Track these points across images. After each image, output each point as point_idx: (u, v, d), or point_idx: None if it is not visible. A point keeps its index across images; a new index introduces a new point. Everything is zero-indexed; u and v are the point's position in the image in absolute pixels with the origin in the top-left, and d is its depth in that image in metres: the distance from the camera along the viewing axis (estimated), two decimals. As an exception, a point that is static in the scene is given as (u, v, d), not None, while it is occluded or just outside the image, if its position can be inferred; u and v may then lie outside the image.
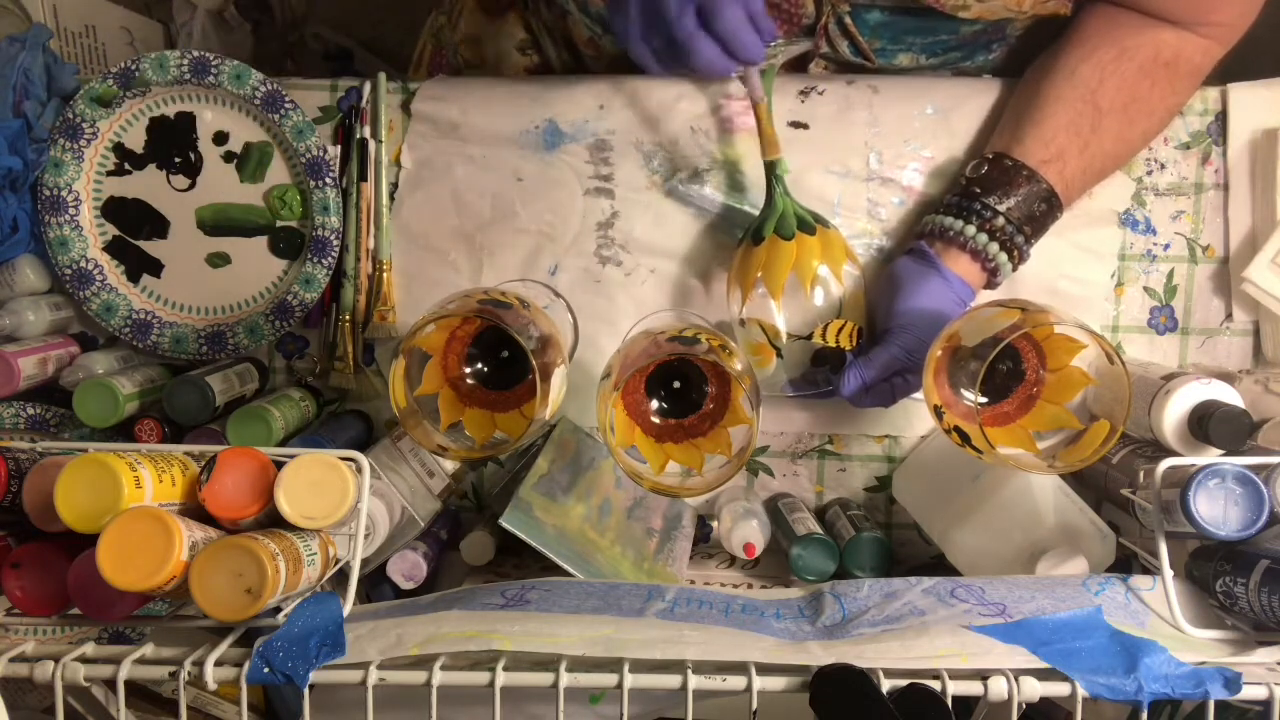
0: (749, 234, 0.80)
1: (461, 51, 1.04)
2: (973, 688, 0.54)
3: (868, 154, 0.86)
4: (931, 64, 0.88)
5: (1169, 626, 0.62)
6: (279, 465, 0.59)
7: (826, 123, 0.86)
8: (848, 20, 0.82)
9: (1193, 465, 0.62)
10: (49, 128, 0.84)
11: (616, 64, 0.96)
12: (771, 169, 0.80)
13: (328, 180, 0.85)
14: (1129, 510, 0.71)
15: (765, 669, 0.55)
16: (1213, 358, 0.87)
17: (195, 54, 0.84)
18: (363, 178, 0.86)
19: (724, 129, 0.86)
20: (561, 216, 0.87)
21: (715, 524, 0.88)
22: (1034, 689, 0.54)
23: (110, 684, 0.55)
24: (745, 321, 0.80)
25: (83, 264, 0.86)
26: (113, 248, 0.88)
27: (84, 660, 0.56)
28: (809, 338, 0.78)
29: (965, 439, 0.66)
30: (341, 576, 0.64)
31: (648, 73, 0.74)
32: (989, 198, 0.77)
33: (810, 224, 0.79)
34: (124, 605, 0.57)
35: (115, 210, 0.87)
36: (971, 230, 0.77)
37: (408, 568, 0.78)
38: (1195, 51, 0.78)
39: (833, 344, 0.77)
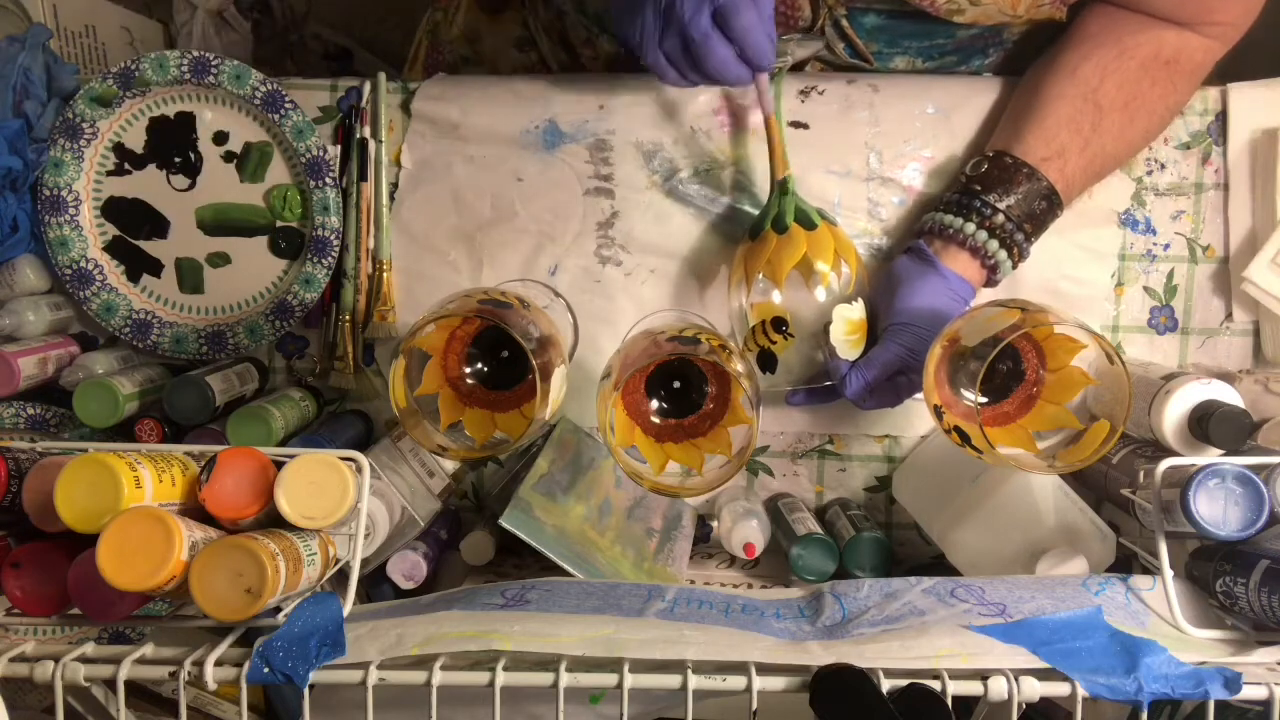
0: (769, 223, 0.80)
1: (458, 48, 1.04)
2: (973, 688, 0.54)
3: (868, 154, 0.86)
4: (928, 68, 0.88)
5: (1169, 626, 0.62)
6: (279, 465, 0.59)
7: (826, 123, 0.86)
8: (844, 23, 0.82)
9: (1193, 465, 0.62)
10: (49, 128, 0.84)
11: (613, 64, 0.96)
12: (782, 187, 0.79)
13: (328, 180, 0.85)
14: (1129, 510, 0.71)
15: (765, 669, 0.55)
16: (1213, 358, 0.87)
17: (195, 54, 0.84)
18: (363, 178, 0.86)
19: (724, 129, 0.86)
20: (561, 216, 0.87)
21: (715, 524, 0.88)
22: (1034, 689, 0.54)
23: (110, 684, 0.55)
24: (754, 306, 0.80)
25: (83, 264, 0.86)
26: (113, 248, 0.88)
27: (84, 660, 0.56)
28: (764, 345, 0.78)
29: (965, 439, 0.66)
30: (341, 576, 0.64)
31: (663, 80, 0.74)
32: (989, 195, 0.77)
33: (830, 217, 0.81)
34: (124, 605, 0.57)
35: (115, 210, 0.87)
36: (971, 228, 0.77)
37: (408, 568, 0.78)
38: (1196, 50, 0.78)
39: (754, 348, 0.78)
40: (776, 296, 0.79)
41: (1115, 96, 0.77)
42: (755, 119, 0.85)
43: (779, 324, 0.76)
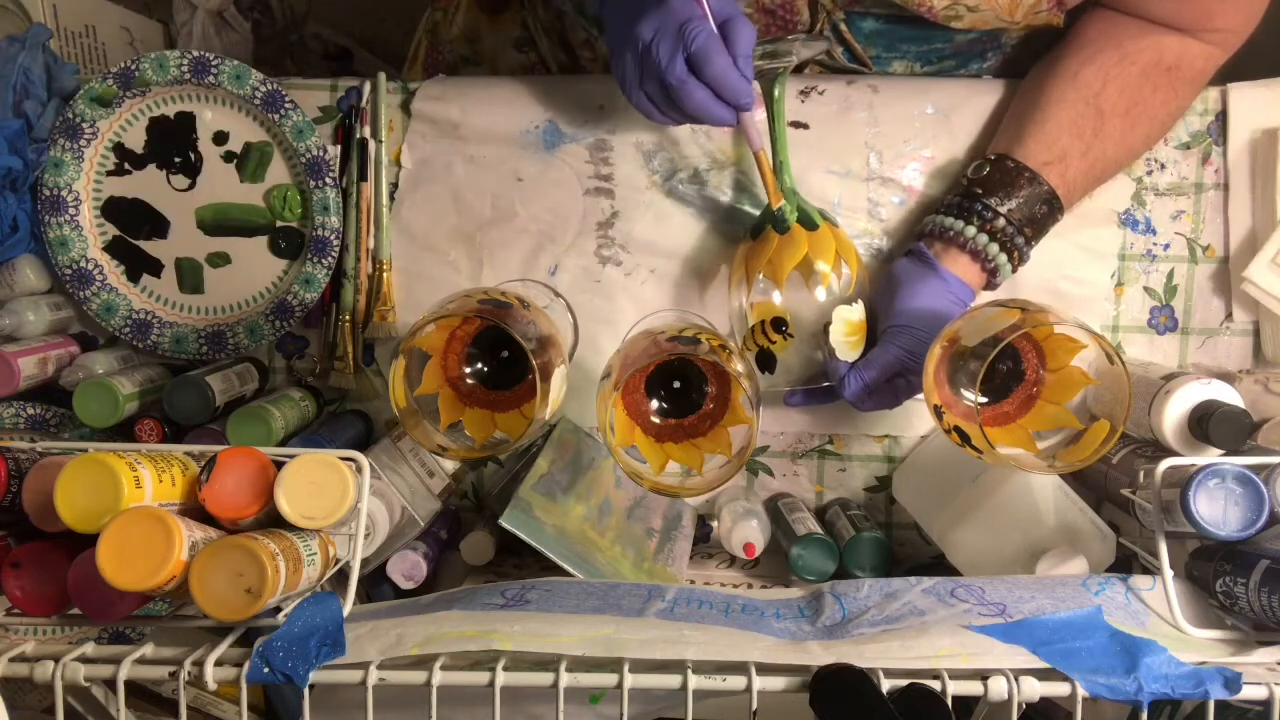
0: (770, 223, 0.80)
1: (458, 48, 1.04)
2: (973, 688, 0.54)
3: (868, 154, 0.86)
4: (926, 72, 0.88)
5: (1169, 626, 0.62)
6: (279, 465, 0.59)
7: (826, 123, 0.86)
8: (843, 27, 0.82)
9: (1193, 465, 0.62)
10: (49, 128, 0.84)
11: (613, 65, 0.96)
12: (778, 217, 0.78)
13: (328, 180, 0.85)
14: (1129, 510, 0.71)
15: (765, 669, 0.55)
16: (1213, 358, 0.87)
17: (195, 54, 0.84)
18: (363, 178, 0.86)
19: (724, 129, 0.86)
20: (561, 216, 0.87)
21: (715, 524, 0.88)
22: (1034, 689, 0.54)
23: (110, 684, 0.55)
24: (753, 306, 0.80)
25: (83, 264, 0.86)
26: (113, 248, 0.88)
27: (84, 660, 0.56)
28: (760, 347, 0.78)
29: (965, 439, 0.66)
30: (341, 576, 0.64)
31: (650, 119, 0.75)
32: (990, 199, 0.77)
33: (831, 218, 0.81)
34: (124, 605, 0.57)
35: (115, 210, 0.87)
36: (972, 231, 0.77)
37: (408, 568, 0.78)
38: (1198, 57, 0.78)
39: (753, 349, 0.77)
40: (777, 297, 0.79)
41: (1117, 102, 0.77)
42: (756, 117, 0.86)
43: (779, 324, 0.76)
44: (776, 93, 0.81)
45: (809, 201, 0.81)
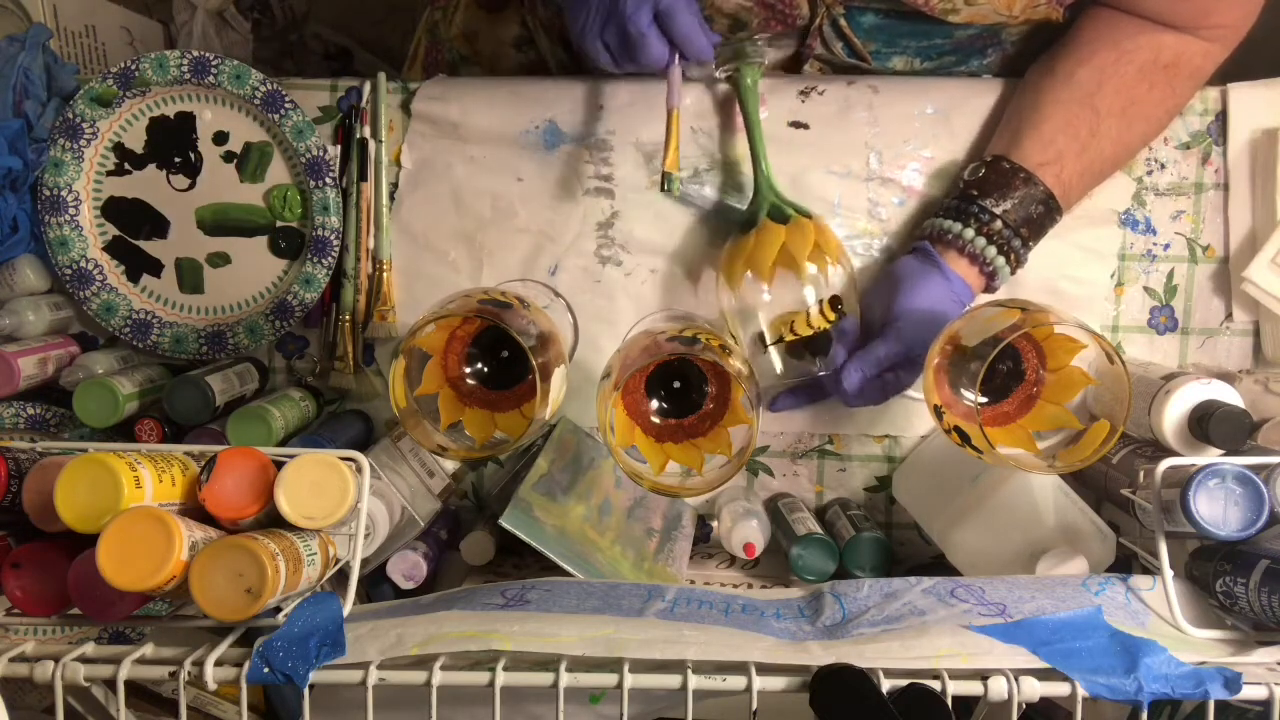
0: (744, 219, 0.80)
1: (457, 47, 1.04)
2: (973, 688, 0.54)
3: (868, 154, 0.86)
4: (926, 68, 0.88)
5: (1169, 626, 0.62)
6: (279, 465, 0.59)
7: (826, 123, 0.86)
8: (842, 22, 0.82)
9: (1193, 465, 0.62)
10: (49, 128, 0.84)
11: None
12: (665, 180, 0.76)
13: (328, 180, 0.85)
14: (1129, 510, 0.71)
15: (765, 669, 0.55)
16: (1213, 358, 0.87)
17: (195, 54, 0.84)
18: (363, 178, 0.86)
19: (724, 129, 0.86)
20: (561, 216, 0.87)
21: (715, 524, 0.88)
22: (1034, 689, 0.54)
23: (110, 684, 0.55)
24: (735, 311, 0.79)
25: (83, 264, 0.86)
26: (113, 248, 0.88)
27: (84, 660, 0.56)
28: (780, 341, 0.77)
29: (965, 439, 0.66)
30: (341, 576, 0.64)
31: (596, 65, 0.77)
32: (986, 200, 0.77)
33: (805, 211, 0.80)
34: (124, 605, 0.57)
35: (115, 210, 0.87)
36: (970, 234, 0.77)
37: (408, 568, 0.78)
38: (1195, 54, 0.78)
39: (806, 333, 0.76)
40: (765, 294, 0.78)
41: (1113, 102, 0.77)
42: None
43: (835, 302, 0.76)
44: (749, 81, 0.80)
45: (786, 196, 0.81)
